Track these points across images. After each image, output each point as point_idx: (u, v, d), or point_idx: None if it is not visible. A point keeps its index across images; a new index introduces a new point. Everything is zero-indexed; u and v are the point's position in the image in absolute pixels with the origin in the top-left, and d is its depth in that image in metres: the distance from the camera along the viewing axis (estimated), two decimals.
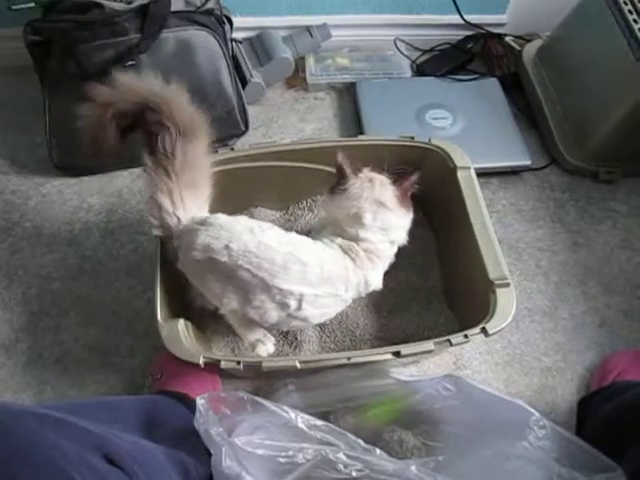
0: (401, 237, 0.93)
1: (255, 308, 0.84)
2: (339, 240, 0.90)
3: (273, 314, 0.85)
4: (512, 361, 1.02)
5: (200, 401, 0.74)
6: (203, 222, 0.85)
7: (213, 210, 1.09)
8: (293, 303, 0.84)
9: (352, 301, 0.93)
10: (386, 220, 0.90)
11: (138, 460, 0.61)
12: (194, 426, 0.72)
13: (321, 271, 0.84)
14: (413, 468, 0.69)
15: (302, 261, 0.83)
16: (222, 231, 0.83)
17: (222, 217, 0.87)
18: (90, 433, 0.58)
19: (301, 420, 0.74)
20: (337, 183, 0.92)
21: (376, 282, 0.92)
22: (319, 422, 0.74)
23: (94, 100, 0.85)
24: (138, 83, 0.86)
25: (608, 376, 0.95)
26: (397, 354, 0.80)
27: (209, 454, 0.71)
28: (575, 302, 1.10)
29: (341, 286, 0.87)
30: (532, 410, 0.76)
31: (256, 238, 0.82)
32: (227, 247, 0.81)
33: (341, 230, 0.91)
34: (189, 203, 0.88)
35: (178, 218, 0.87)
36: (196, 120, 0.88)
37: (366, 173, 0.92)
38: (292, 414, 0.75)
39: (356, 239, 0.90)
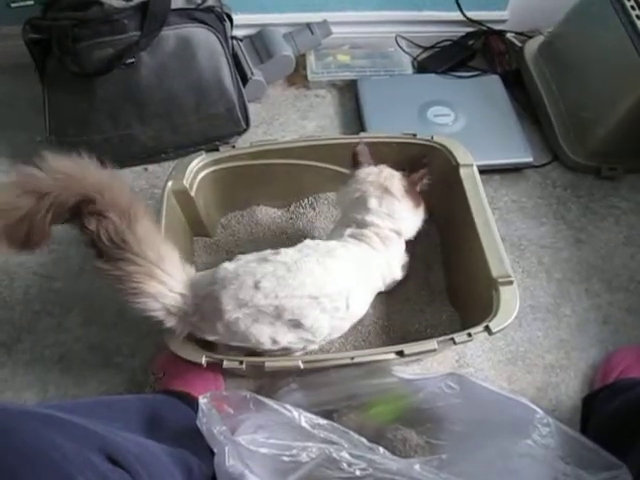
0: (408, 229, 0.92)
1: (308, 329, 0.81)
2: (348, 231, 0.90)
3: (325, 324, 0.82)
4: (515, 359, 1.02)
5: (203, 400, 0.73)
6: (214, 281, 0.79)
7: (215, 210, 1.09)
8: (342, 304, 0.82)
9: None
10: (392, 207, 0.90)
11: (141, 460, 0.61)
12: (197, 425, 0.72)
13: (352, 263, 0.84)
14: (417, 467, 0.69)
15: (335, 256, 0.83)
16: (241, 276, 0.78)
17: (228, 264, 0.81)
18: (92, 433, 0.58)
19: (304, 419, 0.74)
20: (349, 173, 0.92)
21: (396, 268, 0.92)
22: (322, 421, 0.74)
23: (27, 188, 0.73)
24: (77, 169, 0.76)
25: (612, 373, 0.95)
26: (400, 353, 0.80)
27: (212, 453, 0.71)
28: (578, 299, 1.09)
29: (373, 272, 0.87)
30: (536, 408, 0.76)
31: (277, 262, 0.80)
32: (257, 287, 0.77)
33: (348, 220, 0.91)
34: (175, 272, 0.80)
35: (179, 293, 0.79)
36: (135, 201, 0.78)
37: (380, 166, 0.93)
38: (295, 413, 0.74)
39: (364, 224, 0.89)
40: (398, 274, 0.95)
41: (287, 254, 0.82)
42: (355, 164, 0.93)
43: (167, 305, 0.78)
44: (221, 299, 0.77)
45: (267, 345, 0.80)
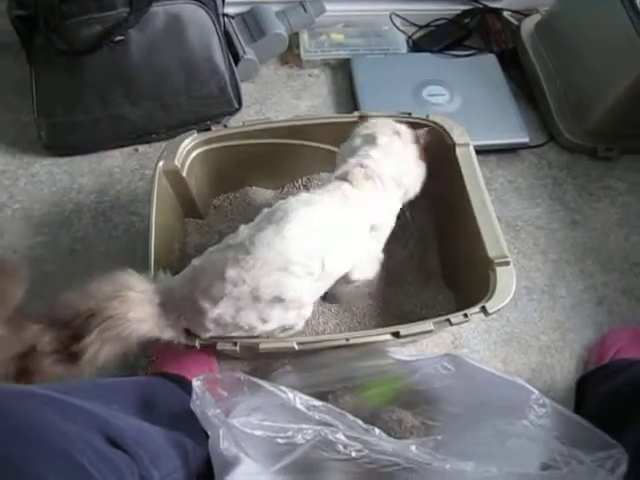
0: (410, 182, 0.90)
1: (292, 300, 0.77)
2: (333, 177, 0.86)
3: (306, 290, 0.78)
4: (510, 340, 1.02)
5: (196, 383, 0.72)
6: (186, 282, 0.77)
7: (207, 191, 1.07)
8: (316, 267, 0.76)
9: None
10: (400, 149, 0.88)
11: (140, 442, 0.61)
12: (191, 408, 0.71)
13: (321, 219, 0.79)
14: (413, 448, 0.69)
15: (293, 219, 0.76)
16: (207, 271, 0.75)
17: (195, 261, 0.79)
18: (92, 415, 0.57)
19: (299, 400, 0.73)
20: None
21: (379, 215, 0.85)
22: (317, 402, 0.73)
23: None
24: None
25: (606, 354, 0.95)
26: (396, 334, 0.79)
27: (207, 436, 0.71)
28: (573, 280, 1.09)
29: (354, 218, 0.82)
30: (532, 388, 0.75)
31: (235, 246, 0.76)
32: (223, 278, 0.74)
33: (344, 163, 0.87)
34: (143, 286, 0.77)
35: (160, 303, 0.76)
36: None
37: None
38: (290, 394, 0.73)
39: (363, 159, 0.85)
40: (385, 222, 0.87)
41: (243, 233, 0.77)
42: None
43: (155, 320, 0.75)
44: (197, 300, 0.74)
45: (260, 327, 0.78)
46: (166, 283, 0.79)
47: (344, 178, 0.84)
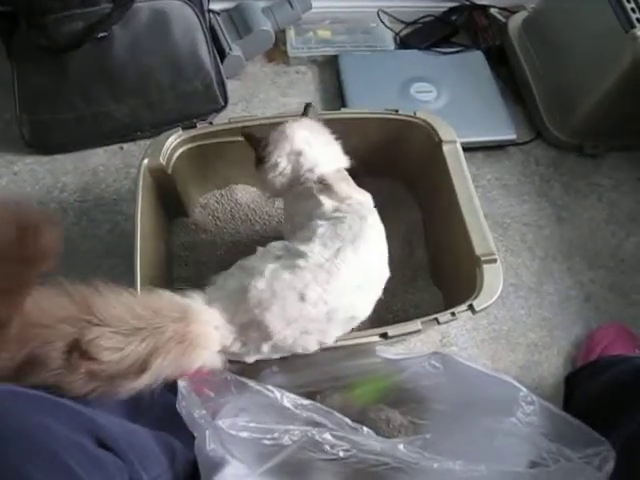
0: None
1: (359, 317, 0.78)
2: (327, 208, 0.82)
3: (369, 305, 0.78)
4: (498, 337, 1.02)
5: (182, 383, 0.72)
6: (250, 306, 0.71)
7: (193, 189, 1.06)
8: (376, 279, 0.79)
9: None
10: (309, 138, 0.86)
11: (129, 443, 0.60)
12: (177, 409, 0.70)
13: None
14: (401, 447, 0.68)
15: (363, 236, 0.77)
16: (279, 293, 0.71)
17: (257, 283, 0.72)
18: (82, 416, 0.57)
19: (287, 399, 0.72)
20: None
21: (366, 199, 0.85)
22: (305, 401, 0.73)
23: None
24: None
25: (594, 351, 0.95)
26: (384, 335, 0.79)
27: (193, 437, 0.70)
28: (560, 277, 1.09)
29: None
30: (520, 386, 0.75)
31: (312, 267, 0.73)
32: (303, 299, 0.71)
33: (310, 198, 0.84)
34: (208, 314, 0.72)
35: (216, 326, 0.71)
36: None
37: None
38: (277, 393, 0.73)
39: (308, 175, 0.83)
40: (368, 203, 0.86)
41: (317, 254, 0.74)
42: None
43: (215, 348, 0.71)
44: (267, 323, 0.70)
45: (313, 349, 0.76)
46: (222, 309, 0.73)
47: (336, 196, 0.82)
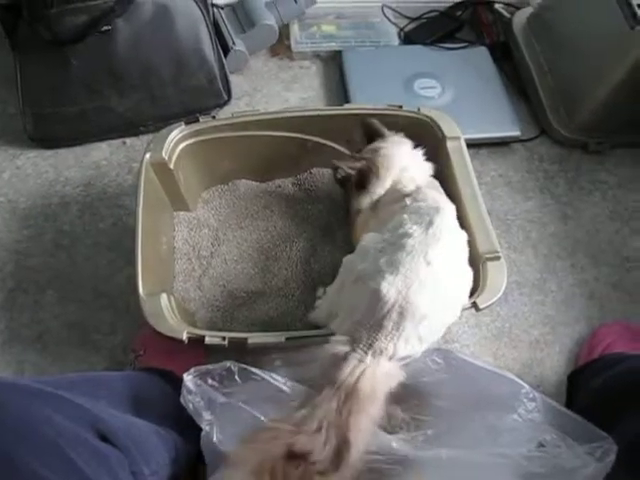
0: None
1: None
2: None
3: None
4: (501, 334, 1.01)
5: (187, 377, 0.72)
6: (390, 300, 0.69)
7: (195, 183, 1.06)
8: None
9: None
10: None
11: (131, 437, 0.61)
12: (179, 403, 0.71)
13: None
14: (402, 442, 0.68)
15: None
16: (409, 275, 0.70)
17: (387, 279, 0.70)
18: (84, 409, 0.57)
19: (292, 388, 0.73)
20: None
21: None
22: (310, 390, 0.73)
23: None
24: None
25: (597, 349, 0.94)
26: None
27: (196, 430, 0.70)
28: (564, 274, 1.08)
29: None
30: (522, 383, 0.75)
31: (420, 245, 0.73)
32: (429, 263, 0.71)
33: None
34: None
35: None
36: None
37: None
38: (282, 381, 0.73)
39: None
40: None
41: (416, 229, 0.74)
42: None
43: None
44: (413, 301, 0.69)
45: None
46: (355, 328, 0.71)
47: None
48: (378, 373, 0.68)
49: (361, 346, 0.69)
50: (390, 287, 0.69)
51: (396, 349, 0.69)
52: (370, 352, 0.68)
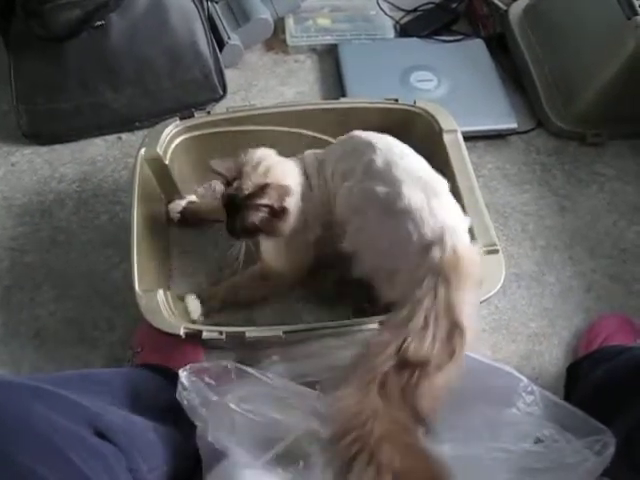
0: None
1: None
2: None
3: None
4: (499, 327, 1.01)
5: (183, 373, 0.72)
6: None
7: (191, 179, 1.05)
8: None
9: None
10: None
11: (129, 435, 0.61)
12: (177, 399, 0.71)
13: None
14: None
15: None
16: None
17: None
18: (81, 407, 0.57)
19: (287, 387, 0.73)
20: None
21: None
22: (306, 390, 0.73)
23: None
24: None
25: (595, 341, 0.94)
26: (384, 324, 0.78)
27: (193, 427, 0.70)
28: (562, 267, 1.08)
29: None
30: (520, 376, 0.75)
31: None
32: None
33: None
34: None
35: None
36: None
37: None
38: (278, 381, 0.73)
39: None
40: None
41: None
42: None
43: None
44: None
45: None
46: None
47: None
48: (462, 246, 0.72)
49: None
50: (409, 192, 0.75)
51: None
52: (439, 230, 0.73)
